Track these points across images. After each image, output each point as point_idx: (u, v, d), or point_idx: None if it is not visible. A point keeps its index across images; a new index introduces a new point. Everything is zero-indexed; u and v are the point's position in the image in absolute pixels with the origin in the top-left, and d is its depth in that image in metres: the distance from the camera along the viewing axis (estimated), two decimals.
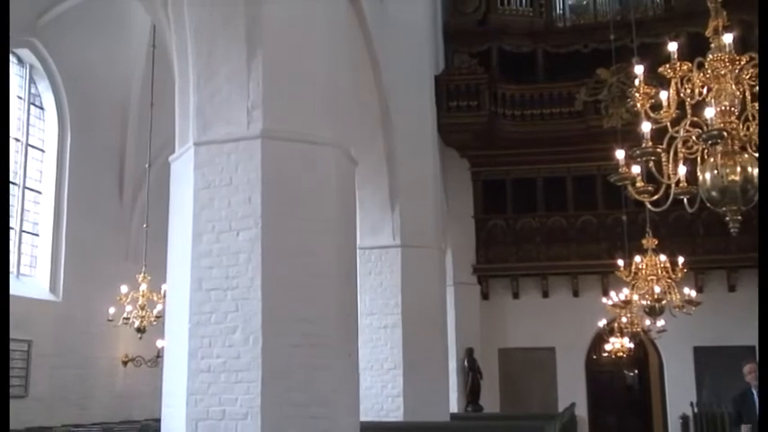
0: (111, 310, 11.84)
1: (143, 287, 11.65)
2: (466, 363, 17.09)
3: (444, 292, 13.76)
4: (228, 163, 6.51)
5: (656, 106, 5.65)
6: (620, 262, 12.36)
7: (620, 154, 6.02)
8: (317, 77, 6.83)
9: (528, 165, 17.66)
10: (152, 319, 11.64)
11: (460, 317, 16.92)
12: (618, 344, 16.28)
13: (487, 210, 17.99)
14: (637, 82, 5.78)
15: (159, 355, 12.26)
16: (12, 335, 11.11)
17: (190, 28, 6.79)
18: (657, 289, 11.78)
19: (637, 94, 5.72)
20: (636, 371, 20.48)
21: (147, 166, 12.27)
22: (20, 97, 12.34)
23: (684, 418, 16.60)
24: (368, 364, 11.35)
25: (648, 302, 11.98)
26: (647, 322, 13.73)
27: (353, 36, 9.93)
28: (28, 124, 12.43)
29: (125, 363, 13.50)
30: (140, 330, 11.70)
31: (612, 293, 13.91)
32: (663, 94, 5.60)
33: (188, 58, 6.84)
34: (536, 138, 16.94)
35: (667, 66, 5.55)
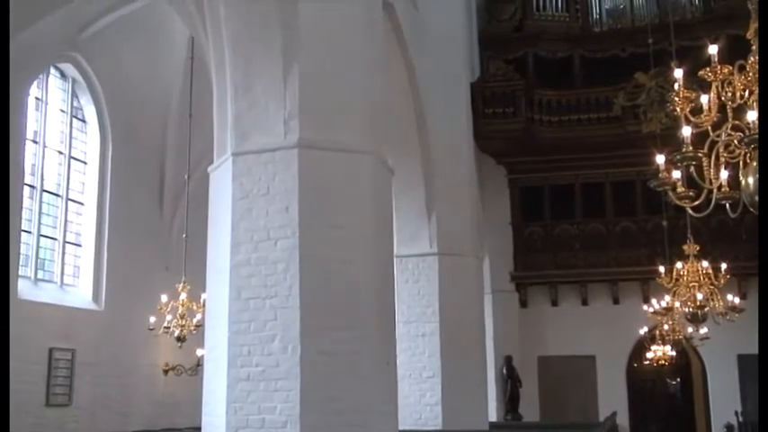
0: (152, 320, 11.97)
1: (183, 296, 11.77)
2: (505, 371, 16.97)
3: (482, 300, 13.69)
4: (266, 173, 6.57)
5: (697, 110, 5.56)
6: (662, 268, 12.18)
7: (660, 159, 5.94)
8: (353, 87, 6.87)
9: (565, 171, 17.51)
10: (192, 328, 11.74)
11: (499, 325, 16.82)
12: (660, 351, 16.03)
13: (525, 217, 17.87)
14: (676, 86, 5.70)
15: (199, 364, 12.36)
16: (56, 344, 11.36)
17: (227, 40, 6.87)
18: (700, 296, 11.58)
19: (676, 98, 5.63)
20: (678, 379, 20.14)
21: (186, 176, 12.41)
22: (63, 111, 12.58)
23: (729, 428, 16.26)
24: (406, 372, 11.33)
25: (691, 309, 11.79)
26: (690, 330, 13.51)
27: (389, 45, 9.96)
28: (71, 137, 12.66)
29: (166, 371, 13.64)
30: (180, 339, 11.81)
31: (653, 300, 13.71)
32: (703, 98, 5.52)
33: (225, 69, 6.93)
34: (573, 143, 16.79)
35: (708, 69, 5.47)
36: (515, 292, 17.90)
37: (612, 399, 17.15)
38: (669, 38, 13.89)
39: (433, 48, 12.58)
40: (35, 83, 11.71)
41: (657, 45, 14.68)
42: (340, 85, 6.78)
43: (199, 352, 11.49)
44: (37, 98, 11.92)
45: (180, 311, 11.74)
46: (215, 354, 6.65)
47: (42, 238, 11.92)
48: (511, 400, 16.90)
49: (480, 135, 15.88)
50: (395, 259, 9.42)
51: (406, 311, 11.78)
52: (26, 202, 11.49)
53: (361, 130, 6.81)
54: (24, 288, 11.16)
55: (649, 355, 16.50)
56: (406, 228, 12.09)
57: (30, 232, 11.63)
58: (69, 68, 12.51)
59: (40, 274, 11.86)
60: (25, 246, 11.47)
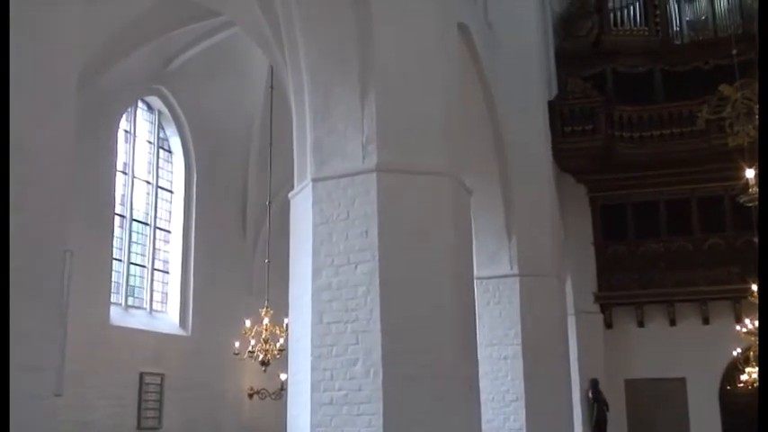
0: (237, 344, 12.19)
1: (266, 321, 11.94)
2: (590, 394, 16.55)
3: (565, 322, 13.43)
4: (345, 197, 6.64)
5: None
6: (755, 287, 11.71)
7: (749, 173, 5.76)
8: (430, 109, 6.89)
9: (649, 187, 17.07)
10: (275, 352, 11.88)
11: (583, 347, 16.44)
12: (755, 374, 15.36)
13: (607, 235, 17.48)
14: None
15: (283, 388, 12.51)
16: (146, 369, 11.68)
17: (305, 68, 7.01)
18: None
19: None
20: None
21: (267, 203, 12.65)
22: (150, 142, 13.03)
23: None
24: (489, 396, 11.19)
25: None
26: None
27: (465, 66, 9.96)
28: (157, 167, 13.09)
29: (251, 395, 13.84)
30: (264, 363, 11.96)
31: (746, 320, 13.17)
32: None
33: (304, 97, 7.06)
34: (656, 159, 16.38)
35: None
36: (600, 312, 17.47)
37: (705, 424, 16.50)
38: (755, 48, 13.44)
39: (510, 67, 12.51)
40: (124, 116, 12.18)
41: (742, 56, 14.23)
42: (417, 109, 6.82)
43: (282, 376, 11.63)
44: (126, 131, 12.40)
45: (263, 336, 11.91)
46: (298, 378, 6.72)
47: (132, 266, 12.33)
48: (597, 424, 16.45)
49: (559, 153, 15.66)
50: (475, 281, 9.36)
51: (488, 334, 11.65)
52: (117, 231, 11.91)
53: (439, 152, 6.82)
54: (115, 314, 11.54)
55: (744, 377, 15.83)
56: (485, 249, 11.99)
57: (120, 260, 12.05)
58: (156, 101, 12.98)
59: (131, 301, 12.25)
60: (116, 273, 11.88)
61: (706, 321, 16.92)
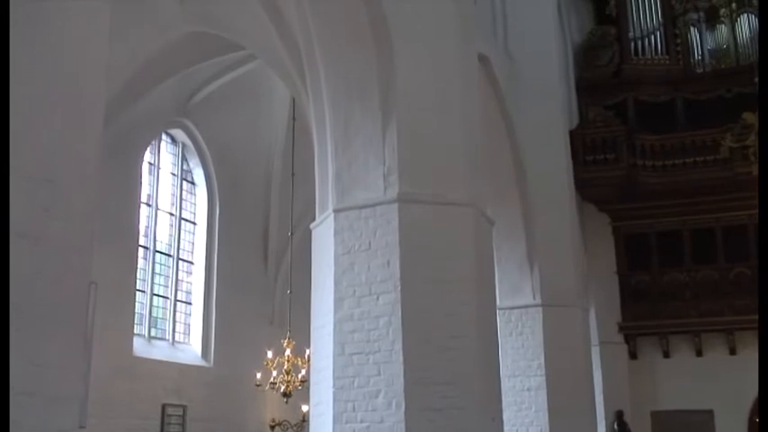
0: (258, 375, 12.16)
1: (288, 352, 11.91)
2: (616, 426, 16.29)
3: (589, 352, 13.28)
4: (367, 228, 6.65)
5: None
6: None
7: None
8: (451, 139, 6.91)
9: (672, 216, 16.94)
10: (297, 383, 11.84)
11: (608, 378, 16.23)
12: None
13: (631, 265, 17.33)
14: None
15: (305, 420, 12.43)
16: (168, 400, 11.68)
17: (327, 99, 7.07)
18: None
19: None
20: None
21: (289, 234, 12.70)
22: (173, 174, 13.16)
23: None
24: (512, 428, 11.05)
25: None
26: None
27: (486, 96, 10.00)
28: (181, 199, 13.21)
29: (272, 427, 13.74)
30: (286, 395, 11.91)
31: None
32: None
33: (326, 127, 7.11)
34: (679, 188, 16.28)
35: None
36: (624, 343, 17.27)
37: None
38: None
39: (531, 97, 12.54)
40: (148, 148, 12.33)
41: None
42: (438, 139, 6.85)
43: (304, 408, 11.56)
44: (150, 163, 12.54)
45: (285, 367, 11.88)
46: (320, 409, 6.69)
47: (155, 297, 12.39)
48: None
49: (581, 183, 15.61)
50: (497, 312, 9.31)
51: (511, 365, 11.55)
52: (140, 262, 12.00)
53: (460, 183, 6.83)
54: (139, 345, 11.58)
55: None
56: (507, 279, 11.93)
57: (144, 291, 12.12)
58: (179, 133, 13.13)
59: (153, 332, 12.29)
60: (139, 305, 11.95)
61: (733, 352, 16.66)
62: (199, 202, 13.56)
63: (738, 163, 15.85)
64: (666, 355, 17.18)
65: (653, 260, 17.24)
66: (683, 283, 16.81)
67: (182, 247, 13.13)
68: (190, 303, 13.13)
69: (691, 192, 16.19)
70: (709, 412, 16.55)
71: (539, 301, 11.87)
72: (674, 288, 16.84)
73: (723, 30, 17.55)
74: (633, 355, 17.33)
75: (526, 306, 11.88)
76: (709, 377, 16.42)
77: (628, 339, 17.30)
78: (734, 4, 17.26)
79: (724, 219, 16.73)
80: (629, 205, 16.93)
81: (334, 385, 6.43)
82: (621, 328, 17.11)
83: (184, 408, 11.97)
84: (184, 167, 13.43)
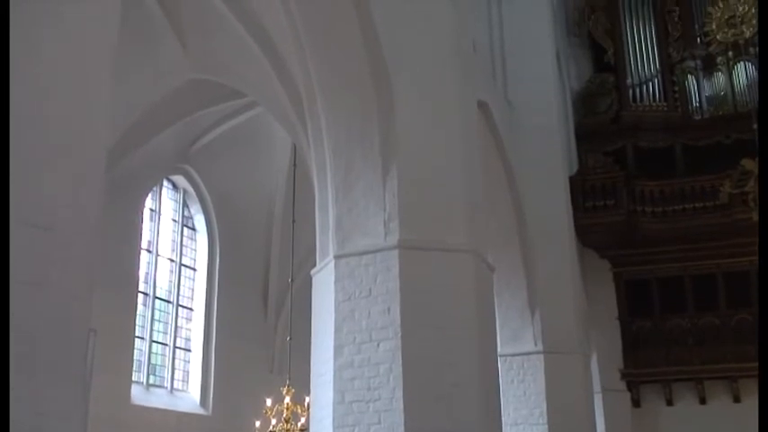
0: (258, 423, 12.01)
1: (287, 400, 11.79)
2: None
3: (592, 400, 13.15)
4: (367, 274, 6.64)
5: None
6: None
7: None
8: (451, 186, 6.94)
9: (673, 263, 16.91)
10: None
11: (611, 425, 16.02)
12: None
13: (632, 311, 17.24)
14: None
15: None
16: None
17: (328, 145, 7.12)
18: None
19: None
20: None
21: (289, 280, 12.66)
22: (174, 220, 13.18)
23: None
24: None
25: None
26: None
27: (485, 142, 10.07)
28: (181, 245, 13.21)
29: None
30: None
31: None
32: None
33: (327, 174, 7.14)
34: (680, 234, 16.28)
35: None
36: (627, 390, 17.09)
37: None
38: None
39: (530, 143, 12.63)
40: (149, 195, 12.37)
41: None
42: (438, 185, 6.87)
43: None
44: (151, 209, 12.56)
45: (285, 415, 11.73)
46: None
47: (154, 344, 12.31)
48: None
49: (582, 229, 15.63)
50: (499, 359, 9.23)
51: (513, 413, 11.41)
52: (140, 308, 11.95)
53: (461, 229, 6.83)
54: (137, 393, 11.46)
55: None
56: (508, 326, 11.86)
57: (143, 338, 12.04)
58: (181, 180, 13.19)
59: (152, 380, 12.18)
60: (138, 352, 11.86)
61: (737, 400, 16.48)
62: (199, 249, 13.56)
63: (738, 209, 15.87)
64: (670, 402, 17.00)
65: (654, 306, 17.16)
66: (685, 330, 16.71)
67: (181, 293, 13.09)
68: (189, 350, 13.04)
69: (691, 238, 16.19)
70: None
71: (540, 347, 11.79)
72: (676, 334, 16.74)
73: (720, 77, 17.75)
74: (636, 403, 17.14)
75: (528, 353, 11.80)
76: (714, 425, 16.21)
77: (630, 387, 17.12)
78: (731, 53, 17.47)
79: (725, 265, 16.70)
80: (630, 251, 16.91)
81: None
82: (624, 376, 16.95)
83: None
84: (185, 213, 13.46)
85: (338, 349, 6.56)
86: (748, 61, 17.31)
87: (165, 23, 9.54)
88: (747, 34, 14.45)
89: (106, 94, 3.84)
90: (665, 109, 17.65)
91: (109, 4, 3.85)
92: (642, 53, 17.92)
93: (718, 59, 17.71)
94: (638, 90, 17.78)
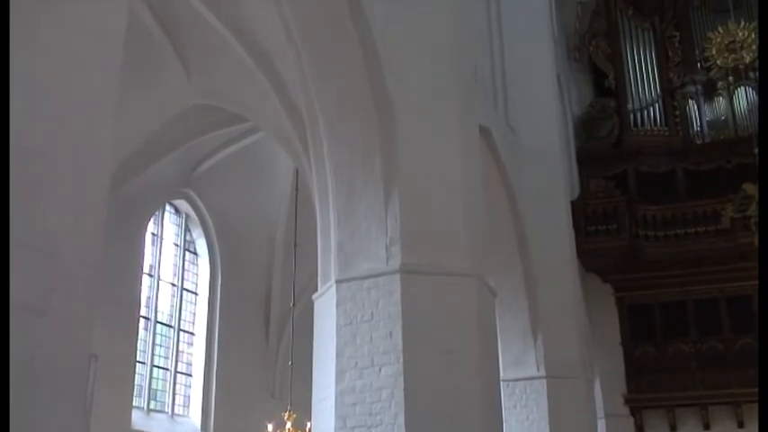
0: None
1: (288, 425, 11.70)
2: None
3: (595, 425, 13.06)
4: (369, 299, 6.63)
5: None
6: None
7: None
8: (454, 210, 6.95)
9: (676, 287, 16.86)
10: None
11: None
12: None
13: (635, 336, 17.17)
14: None
15: None
16: None
17: (330, 170, 7.14)
18: None
19: None
20: None
21: (291, 305, 12.63)
22: (176, 245, 13.19)
23: None
24: None
25: None
26: None
27: (487, 167, 10.09)
28: (183, 269, 13.20)
29: None
30: None
31: None
32: None
33: (329, 198, 7.16)
34: (682, 259, 16.26)
35: None
36: (630, 416, 16.97)
37: None
38: None
39: (532, 168, 12.65)
40: (151, 219, 12.39)
41: None
42: (440, 210, 6.88)
43: None
44: (153, 234, 12.57)
45: None
46: None
47: (155, 369, 12.25)
48: None
49: (584, 253, 15.61)
50: (501, 384, 9.18)
51: None
52: (141, 333, 11.91)
53: (463, 254, 6.83)
54: (137, 419, 11.40)
55: None
56: (510, 350, 11.81)
57: (144, 363, 11.99)
58: (183, 204, 13.21)
59: (153, 404, 12.11)
60: (139, 376, 11.80)
61: (741, 425, 16.36)
62: (201, 273, 13.54)
63: (740, 233, 15.85)
64: (673, 428, 16.88)
65: (657, 331, 17.10)
66: (689, 355, 16.63)
67: (183, 317, 13.06)
68: (190, 375, 12.98)
69: (693, 262, 16.16)
70: None
71: (543, 372, 11.73)
72: (680, 359, 16.66)
73: (721, 102, 17.82)
74: (640, 428, 17.02)
75: (530, 378, 11.74)
76: None
77: (633, 412, 17.01)
78: (731, 78, 17.54)
79: (727, 289, 16.66)
80: (632, 275, 16.88)
81: None
82: (627, 401, 16.84)
83: None
84: (187, 238, 13.46)
85: (340, 374, 6.54)
86: (749, 86, 17.38)
87: (169, 49, 9.61)
88: (747, 59, 14.50)
89: (110, 121, 3.86)
90: (667, 133, 17.70)
91: (113, 31, 3.89)
92: (643, 78, 18.01)
93: (719, 84, 17.79)
94: (639, 115, 17.84)
